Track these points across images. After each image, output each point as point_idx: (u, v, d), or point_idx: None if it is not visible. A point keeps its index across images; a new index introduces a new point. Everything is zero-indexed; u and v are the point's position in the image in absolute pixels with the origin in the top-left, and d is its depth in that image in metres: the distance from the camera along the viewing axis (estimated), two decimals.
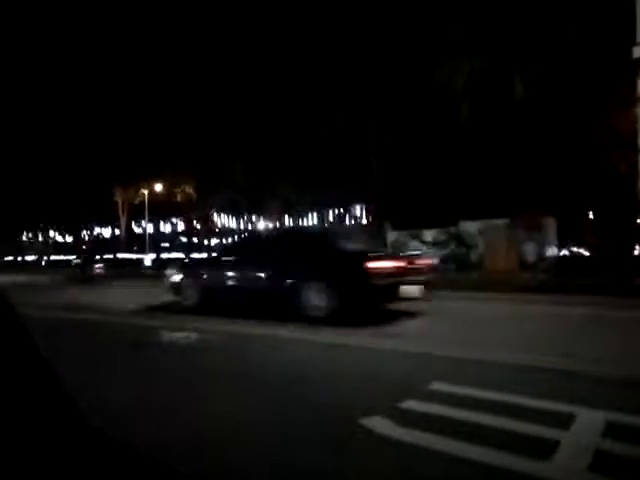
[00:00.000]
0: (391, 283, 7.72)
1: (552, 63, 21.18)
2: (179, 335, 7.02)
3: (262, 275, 8.61)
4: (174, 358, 5.71)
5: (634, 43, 14.23)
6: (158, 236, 55.75)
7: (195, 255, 42.64)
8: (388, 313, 8.40)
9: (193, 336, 6.91)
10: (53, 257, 54.30)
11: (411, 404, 3.59)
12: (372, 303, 8.03)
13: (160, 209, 45.10)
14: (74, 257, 34.46)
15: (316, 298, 7.76)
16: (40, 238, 61.84)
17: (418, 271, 8.49)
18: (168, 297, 10.46)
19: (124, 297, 13.66)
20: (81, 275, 23.08)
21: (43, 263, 51.02)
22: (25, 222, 50.72)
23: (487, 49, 21.85)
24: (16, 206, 42.81)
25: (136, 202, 41.46)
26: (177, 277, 10.20)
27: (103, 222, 54.29)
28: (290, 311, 7.92)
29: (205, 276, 9.71)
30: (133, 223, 51.24)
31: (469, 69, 22.32)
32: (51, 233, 61.41)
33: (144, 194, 39.95)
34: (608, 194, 23.66)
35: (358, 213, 51.17)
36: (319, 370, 4.86)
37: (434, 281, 9.00)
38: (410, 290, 8.10)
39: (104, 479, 0.81)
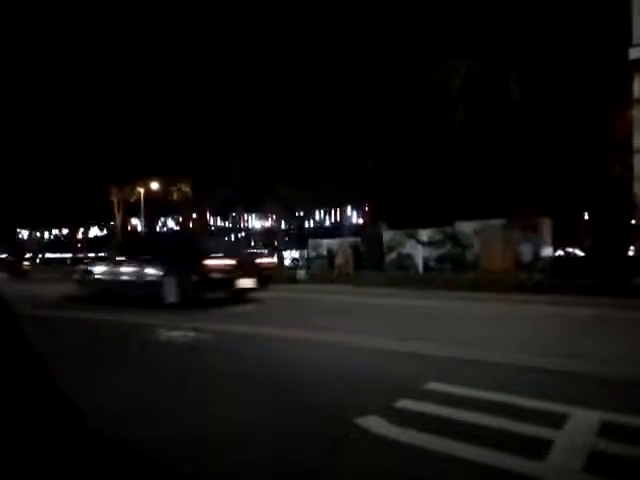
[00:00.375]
0: (227, 277, 9.90)
1: (548, 64, 21.24)
2: (174, 333, 7.01)
3: (138, 271, 10.72)
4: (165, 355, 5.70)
5: (630, 44, 14.25)
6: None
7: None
8: (248, 301, 10.64)
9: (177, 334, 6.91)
10: (48, 255, 54.14)
11: (406, 403, 3.60)
12: (210, 292, 9.99)
13: (156, 207, 44.96)
14: (5, 255, 35.54)
15: (170, 290, 9.89)
16: (38, 235, 61.61)
17: (255, 267, 10.76)
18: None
19: (42, 290, 15.47)
20: (9, 271, 25.21)
21: (38, 261, 50.84)
22: (20, 220, 50.48)
23: (483, 50, 21.89)
24: (12, 204, 42.59)
25: (132, 200, 41.32)
26: (81, 272, 12.41)
27: (99, 220, 54.04)
28: (156, 300, 9.94)
29: (100, 272, 11.77)
30: (130, 221, 51.01)
31: (465, 70, 22.37)
32: (46, 233, 61.12)
33: (140, 192, 39.80)
34: (603, 195, 23.77)
35: (355, 213, 51.17)
36: (313, 369, 4.86)
37: (270, 276, 11.55)
38: (245, 282, 10.27)
39: (102, 479, 0.81)
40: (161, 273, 10.19)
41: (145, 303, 10.12)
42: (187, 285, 9.81)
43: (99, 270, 11.83)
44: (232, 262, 10.13)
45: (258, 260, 11.50)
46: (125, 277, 10.99)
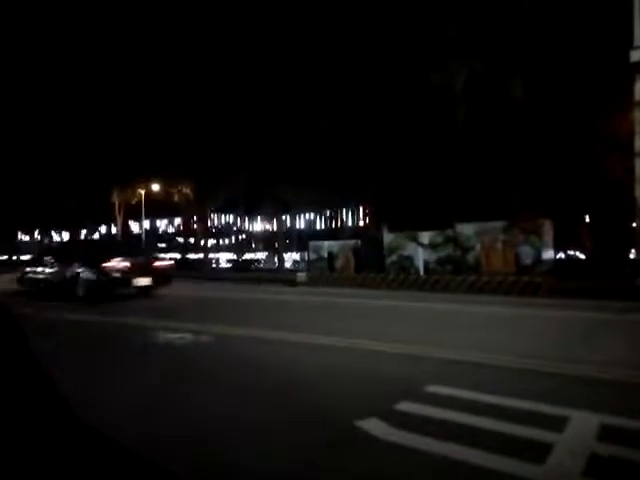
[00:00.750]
0: (125, 276, 12.12)
1: (550, 66, 21.23)
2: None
3: (60, 272, 12.80)
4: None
5: (631, 47, 14.24)
6: (154, 236, 55.60)
7: (191, 255, 43.06)
8: (143, 296, 12.62)
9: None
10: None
11: (406, 406, 3.59)
12: (112, 289, 12.13)
13: (157, 209, 44.95)
14: None
15: (80, 286, 12.15)
16: (38, 237, 61.67)
17: (150, 269, 12.89)
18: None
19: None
20: None
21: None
22: (21, 222, 50.45)
23: (486, 52, 21.89)
24: (12, 206, 42.60)
25: (133, 202, 41.31)
26: (21, 272, 14.68)
27: (100, 222, 54.02)
28: (71, 294, 12.10)
29: (34, 272, 13.87)
30: (130, 223, 51.00)
31: (468, 71, 22.38)
32: (47, 233, 61.17)
33: (141, 194, 39.81)
34: (604, 198, 23.73)
35: (355, 215, 51.18)
36: (310, 369, 4.86)
37: (168, 276, 13.55)
38: (141, 281, 12.39)
39: (97, 478, 0.81)
40: (74, 273, 12.39)
41: (64, 297, 12.18)
42: (92, 283, 12.05)
43: (33, 270, 14.03)
44: (127, 264, 12.36)
45: (156, 263, 13.78)
46: (51, 276, 13.14)
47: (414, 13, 23.95)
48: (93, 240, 34.50)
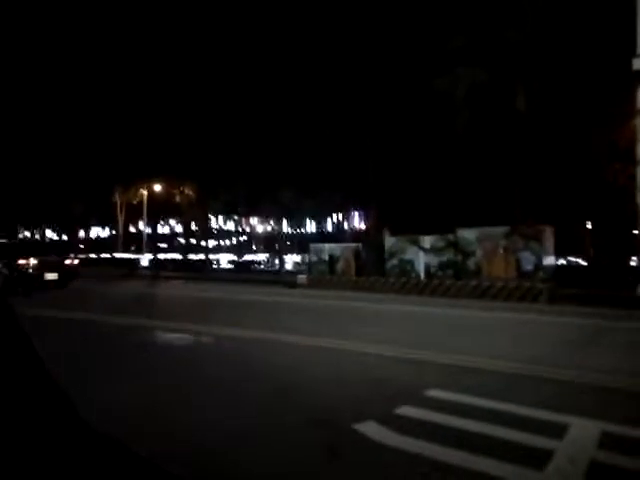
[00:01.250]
0: (36, 272, 14.17)
1: (553, 74, 21.26)
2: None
3: None
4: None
5: (634, 55, 14.26)
6: (156, 236, 55.69)
7: (192, 256, 43.17)
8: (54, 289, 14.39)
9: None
10: None
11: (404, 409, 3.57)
12: (25, 282, 13.66)
13: (159, 210, 45.03)
14: None
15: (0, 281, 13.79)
16: (37, 236, 61.75)
17: (58, 265, 15.14)
18: None
19: None
20: None
21: None
22: (21, 220, 50.50)
23: (489, 60, 21.92)
24: (13, 204, 42.64)
25: (134, 202, 41.36)
26: None
27: (101, 221, 54.09)
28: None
29: None
30: (131, 223, 51.04)
31: (471, 79, 22.39)
32: (47, 232, 61.21)
33: (143, 194, 39.85)
34: (606, 205, 23.73)
35: (357, 219, 51.21)
36: (309, 371, 4.84)
37: (75, 272, 15.95)
38: (50, 276, 14.50)
39: (98, 476, 0.81)
40: None
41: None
42: (8, 277, 13.70)
43: None
44: (36, 261, 14.39)
45: (65, 261, 15.91)
46: None
47: (416, 19, 24.02)
48: (11, 242, 37.84)
